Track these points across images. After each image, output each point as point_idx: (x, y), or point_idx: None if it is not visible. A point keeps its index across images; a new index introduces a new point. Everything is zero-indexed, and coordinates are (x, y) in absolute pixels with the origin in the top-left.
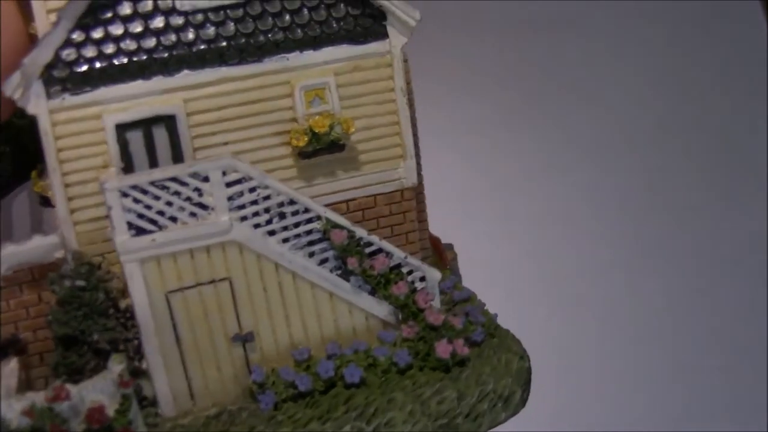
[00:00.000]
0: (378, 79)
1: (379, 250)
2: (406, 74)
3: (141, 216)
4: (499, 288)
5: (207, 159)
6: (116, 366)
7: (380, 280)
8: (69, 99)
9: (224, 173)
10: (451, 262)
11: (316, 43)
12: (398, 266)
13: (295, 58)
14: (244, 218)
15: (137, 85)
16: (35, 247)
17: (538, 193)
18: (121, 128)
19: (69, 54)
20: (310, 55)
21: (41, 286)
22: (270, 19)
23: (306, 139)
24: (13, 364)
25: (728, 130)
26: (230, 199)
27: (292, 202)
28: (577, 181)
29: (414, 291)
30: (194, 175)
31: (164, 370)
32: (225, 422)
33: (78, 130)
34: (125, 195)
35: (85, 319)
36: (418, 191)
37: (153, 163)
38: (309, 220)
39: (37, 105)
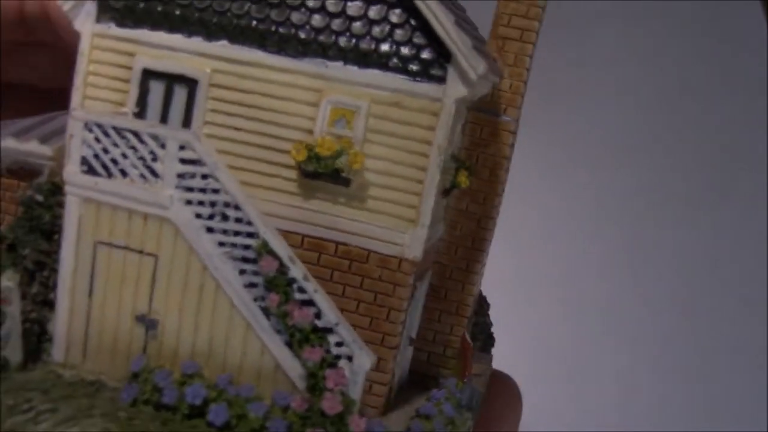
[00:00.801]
0: (417, 126)
1: (311, 303)
2: (503, 146)
3: (96, 156)
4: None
5: (170, 127)
6: (4, 282)
7: (294, 334)
8: (113, 29)
9: (182, 147)
10: (472, 375)
11: (363, 61)
12: (328, 330)
13: (335, 68)
14: (188, 202)
15: (176, 39)
16: (31, 150)
17: (539, 194)
18: (147, 74)
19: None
20: (352, 71)
21: None
22: (326, 16)
23: (304, 154)
24: None
25: (728, 130)
26: (180, 176)
27: (237, 207)
28: (577, 181)
29: (331, 365)
30: (154, 137)
31: (67, 315)
32: (87, 393)
33: (110, 61)
34: (89, 129)
35: (27, 233)
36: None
37: (164, 119)
38: (249, 234)
39: (84, 24)
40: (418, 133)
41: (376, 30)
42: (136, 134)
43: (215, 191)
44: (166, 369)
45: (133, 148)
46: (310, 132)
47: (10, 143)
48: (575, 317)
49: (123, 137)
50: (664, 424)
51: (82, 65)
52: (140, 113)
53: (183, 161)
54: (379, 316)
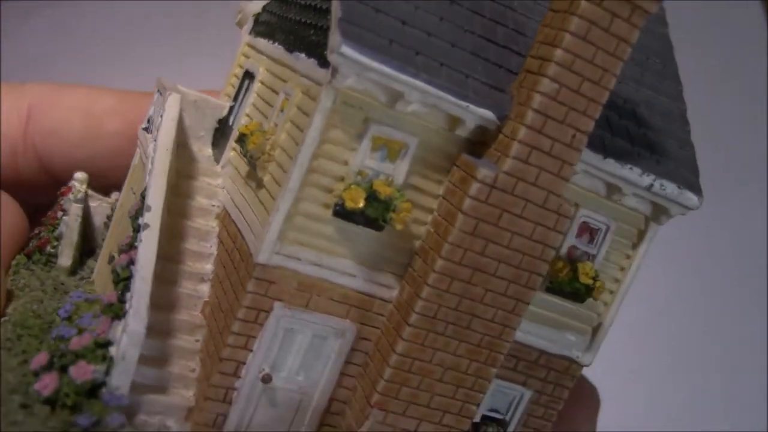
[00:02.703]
0: (307, 115)
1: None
2: (464, 198)
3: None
4: None
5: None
6: (68, 197)
7: (113, 273)
8: (252, 38)
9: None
10: None
11: (301, 47)
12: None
13: (297, 58)
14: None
15: (261, 43)
16: None
17: None
18: (245, 75)
19: (260, 14)
20: (300, 60)
21: None
22: (307, 12)
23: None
24: None
25: (728, 130)
26: (156, 128)
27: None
28: None
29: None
30: (160, 92)
31: (104, 244)
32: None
33: (240, 63)
34: (159, 92)
35: None
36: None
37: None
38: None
39: (245, 33)
40: (305, 123)
41: (315, 16)
42: (160, 92)
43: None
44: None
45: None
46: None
47: None
48: None
49: (161, 95)
50: (663, 424)
51: (232, 69)
52: (233, 104)
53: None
54: (227, 321)
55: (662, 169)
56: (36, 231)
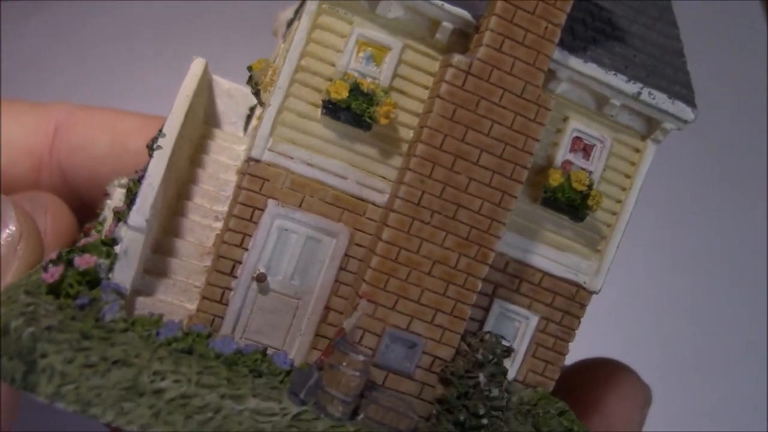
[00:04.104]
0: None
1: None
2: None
3: None
4: None
5: None
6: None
7: (129, 185)
8: None
9: None
10: (325, 363)
11: None
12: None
13: None
14: None
15: None
16: None
17: None
18: None
19: None
20: None
21: None
22: None
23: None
24: None
25: (728, 130)
26: None
27: None
28: None
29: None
30: None
31: None
32: None
33: None
34: None
35: None
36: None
37: None
38: None
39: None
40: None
41: None
42: None
43: None
44: None
45: None
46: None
47: None
48: None
49: None
50: (663, 423)
51: None
52: None
53: None
54: (225, 225)
55: (652, 81)
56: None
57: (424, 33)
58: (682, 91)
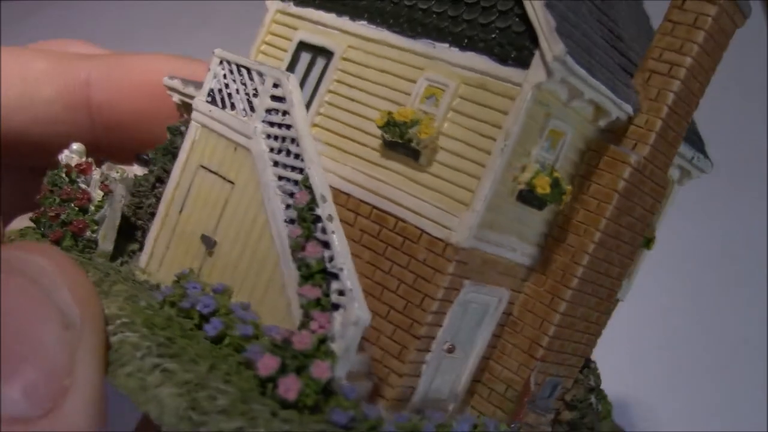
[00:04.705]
0: (494, 109)
1: (327, 245)
2: (617, 178)
3: (219, 90)
4: None
5: (269, 66)
6: (112, 173)
7: (301, 267)
8: (290, 7)
9: (275, 85)
10: (523, 423)
11: (465, 43)
12: (334, 275)
13: (441, 48)
14: (268, 136)
15: (330, 18)
16: (189, 93)
17: None
18: (301, 46)
19: None
20: (451, 52)
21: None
22: (447, 3)
23: (383, 121)
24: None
25: (728, 130)
26: (268, 111)
27: (295, 142)
28: None
29: (324, 309)
30: (259, 74)
31: (159, 227)
32: (142, 290)
33: (279, 33)
34: (221, 63)
35: (163, 154)
36: (549, 319)
37: (301, 85)
38: (300, 170)
39: (271, 2)
40: (492, 116)
41: (484, 15)
42: (248, 71)
43: (288, 127)
44: (197, 282)
45: (244, 84)
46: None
47: (177, 84)
48: None
49: (240, 74)
50: (663, 423)
51: (259, 36)
52: None
53: (273, 98)
54: (413, 301)
55: (699, 145)
56: (50, 211)
57: (588, 118)
58: (700, 143)
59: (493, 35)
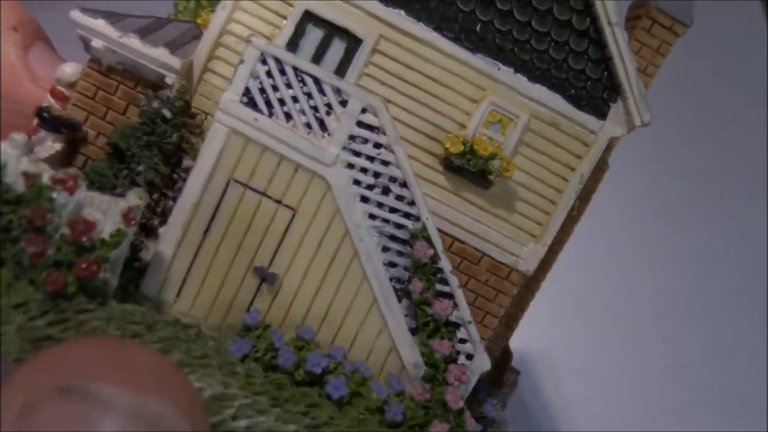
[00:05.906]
0: (567, 150)
1: (449, 296)
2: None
3: (262, 91)
4: None
5: (357, 86)
6: (133, 198)
7: (429, 323)
8: None
9: (364, 110)
10: (508, 384)
11: (535, 75)
12: (456, 325)
13: (505, 73)
14: (350, 166)
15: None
16: (156, 58)
17: None
18: (307, 17)
19: None
20: (520, 81)
21: (134, 100)
22: (511, 21)
23: (459, 148)
24: (57, 143)
25: (728, 130)
26: (351, 138)
27: (403, 185)
28: None
29: (452, 361)
30: (337, 91)
31: (173, 248)
32: (189, 338)
33: None
34: (264, 62)
35: (144, 148)
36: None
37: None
38: (407, 215)
39: None
40: (564, 157)
41: (556, 50)
42: (317, 81)
43: (384, 163)
44: (279, 331)
45: (309, 94)
46: (463, 126)
47: (134, 43)
48: (575, 316)
49: (300, 80)
50: (663, 423)
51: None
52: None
53: (360, 124)
54: (475, 318)
55: None
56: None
57: None
58: None
59: (566, 75)
